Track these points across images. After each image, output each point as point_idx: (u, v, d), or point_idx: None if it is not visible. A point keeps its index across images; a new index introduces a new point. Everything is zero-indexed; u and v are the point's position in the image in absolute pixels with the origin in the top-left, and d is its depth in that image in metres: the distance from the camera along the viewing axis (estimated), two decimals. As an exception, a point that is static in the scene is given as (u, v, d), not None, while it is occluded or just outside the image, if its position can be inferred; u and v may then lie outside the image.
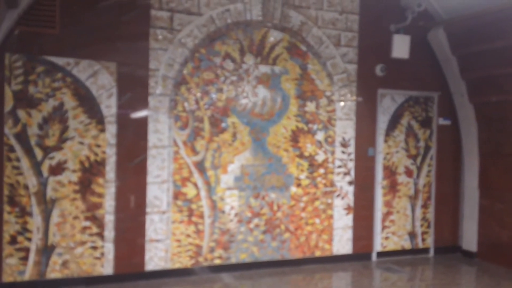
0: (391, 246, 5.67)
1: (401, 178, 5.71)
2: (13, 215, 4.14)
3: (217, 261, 4.89)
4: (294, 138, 5.18)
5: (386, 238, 5.63)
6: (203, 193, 4.81)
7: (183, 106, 4.72)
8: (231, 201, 4.93)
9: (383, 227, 5.62)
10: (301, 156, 5.22)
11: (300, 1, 5.12)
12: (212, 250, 4.86)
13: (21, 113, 4.14)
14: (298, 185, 5.21)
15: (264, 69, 5.02)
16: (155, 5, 4.55)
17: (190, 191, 4.76)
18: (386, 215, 5.64)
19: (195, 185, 4.78)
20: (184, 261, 4.76)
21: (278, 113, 5.10)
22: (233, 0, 4.83)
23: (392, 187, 5.67)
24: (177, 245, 4.72)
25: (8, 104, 4.09)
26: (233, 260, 4.96)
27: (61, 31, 4.21)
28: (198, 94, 4.77)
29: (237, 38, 4.90)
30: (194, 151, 4.77)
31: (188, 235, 4.76)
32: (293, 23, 5.09)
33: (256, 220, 5.04)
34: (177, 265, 4.73)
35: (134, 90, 4.52)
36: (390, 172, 5.65)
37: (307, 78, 5.22)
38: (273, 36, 5.05)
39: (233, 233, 4.95)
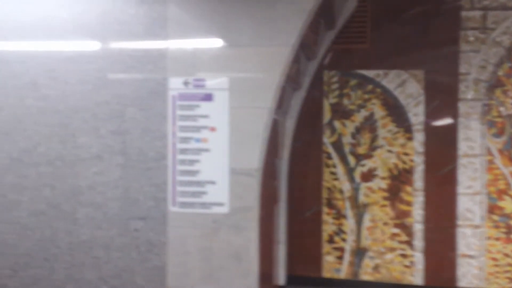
0: None
1: None
2: (331, 217, 4.56)
3: (546, 290, 4.16)
4: None
5: None
6: (525, 209, 4.20)
7: (498, 110, 4.27)
8: None
9: None
10: None
11: None
12: (538, 275, 4.17)
13: (337, 124, 4.55)
14: None
15: None
16: (465, 5, 4.30)
17: (508, 205, 4.23)
18: None
19: (515, 198, 4.22)
20: (502, 283, 4.23)
21: None
22: (562, -17, 4.13)
23: None
24: (493, 264, 4.24)
25: (326, 116, 4.57)
26: None
27: (371, 45, 4.45)
28: (517, 97, 4.24)
29: None
30: (513, 161, 4.23)
31: (506, 254, 4.22)
32: None
33: None
34: (493, 286, 4.25)
35: (442, 96, 4.36)
36: None
37: None
38: None
39: None
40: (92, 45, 3.46)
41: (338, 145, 4.54)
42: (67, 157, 3.43)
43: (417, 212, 4.37)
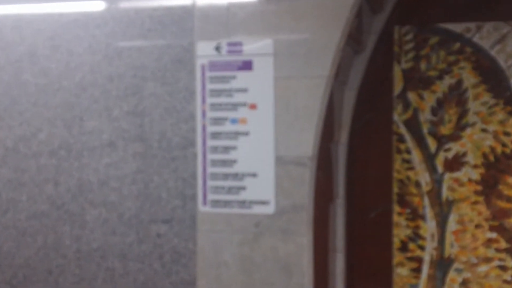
0: None
1: None
2: (404, 217, 3.81)
3: None
4: None
5: None
6: None
7: None
8: None
9: None
10: None
11: None
12: None
13: (412, 96, 3.75)
14: None
15: None
16: None
17: None
18: None
19: None
20: None
21: None
22: None
23: None
24: None
25: (398, 86, 3.79)
26: None
27: (459, -10, 3.67)
28: None
29: None
30: None
31: None
32: None
33: None
34: None
35: (558, 56, 3.48)
36: None
37: None
38: None
39: None
40: (102, 5, 3.18)
41: (413, 124, 3.76)
42: (73, 146, 3.15)
43: (522, 211, 3.55)
